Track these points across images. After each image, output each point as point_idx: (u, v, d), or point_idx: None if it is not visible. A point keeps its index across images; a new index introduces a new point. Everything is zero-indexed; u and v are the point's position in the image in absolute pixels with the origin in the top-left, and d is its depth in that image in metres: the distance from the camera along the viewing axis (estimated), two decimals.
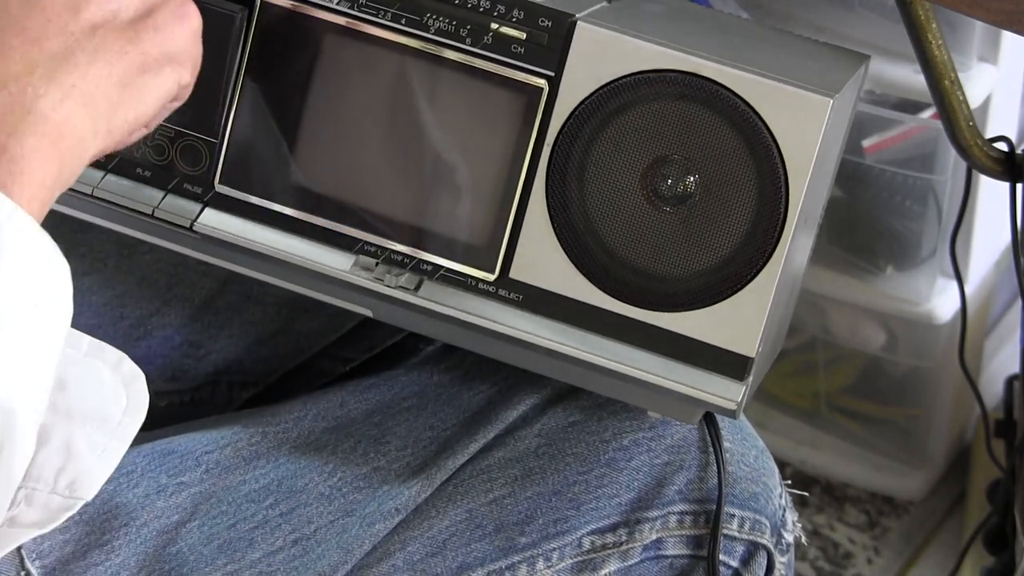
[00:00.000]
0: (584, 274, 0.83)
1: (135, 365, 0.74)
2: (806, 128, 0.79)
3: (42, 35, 0.69)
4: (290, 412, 0.93)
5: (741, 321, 0.81)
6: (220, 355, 1.04)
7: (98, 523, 0.86)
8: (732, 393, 0.82)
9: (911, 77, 1.45)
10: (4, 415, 0.62)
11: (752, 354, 0.82)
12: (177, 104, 0.79)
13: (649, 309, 0.82)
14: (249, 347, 1.03)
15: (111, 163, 0.87)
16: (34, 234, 0.65)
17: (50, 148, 0.67)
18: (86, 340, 0.74)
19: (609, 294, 0.83)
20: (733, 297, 0.81)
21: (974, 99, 1.44)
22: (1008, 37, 1.47)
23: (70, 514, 0.71)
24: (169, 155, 0.86)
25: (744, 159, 0.80)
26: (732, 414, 0.83)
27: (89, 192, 0.87)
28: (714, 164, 0.80)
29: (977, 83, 1.46)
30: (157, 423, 0.99)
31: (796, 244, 0.82)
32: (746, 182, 0.80)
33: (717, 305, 0.81)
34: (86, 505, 0.85)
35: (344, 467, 0.90)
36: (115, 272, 1.02)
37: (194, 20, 0.76)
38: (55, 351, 0.66)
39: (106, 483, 0.86)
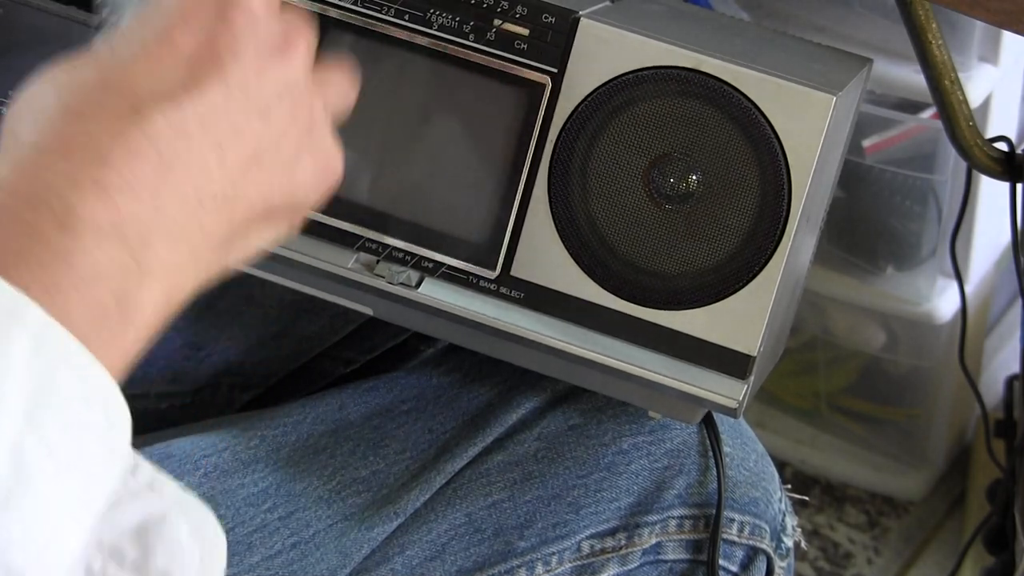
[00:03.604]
0: (586, 271, 0.83)
1: (218, 526, 0.64)
2: (809, 126, 0.79)
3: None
4: (288, 415, 0.93)
5: (743, 319, 0.81)
6: (220, 357, 1.03)
7: None
8: (733, 392, 0.82)
9: (911, 77, 1.45)
10: None
11: (753, 353, 0.81)
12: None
13: (651, 307, 0.82)
14: (250, 349, 1.03)
15: None
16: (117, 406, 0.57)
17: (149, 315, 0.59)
18: (171, 488, 0.61)
19: (611, 292, 0.82)
20: (735, 295, 0.81)
21: (974, 99, 1.44)
22: (1008, 37, 1.48)
23: None
24: None
25: (747, 157, 0.80)
26: (733, 413, 0.82)
27: None
28: (717, 161, 0.80)
29: (977, 83, 1.46)
30: (157, 425, 0.99)
31: (798, 243, 0.82)
32: (748, 180, 0.80)
33: (719, 303, 0.81)
34: None
35: (343, 470, 0.90)
36: None
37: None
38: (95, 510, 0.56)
39: None
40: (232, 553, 0.87)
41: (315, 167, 0.66)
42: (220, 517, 0.87)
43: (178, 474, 0.89)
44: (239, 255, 0.65)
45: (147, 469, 0.57)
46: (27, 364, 0.52)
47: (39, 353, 0.52)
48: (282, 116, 0.63)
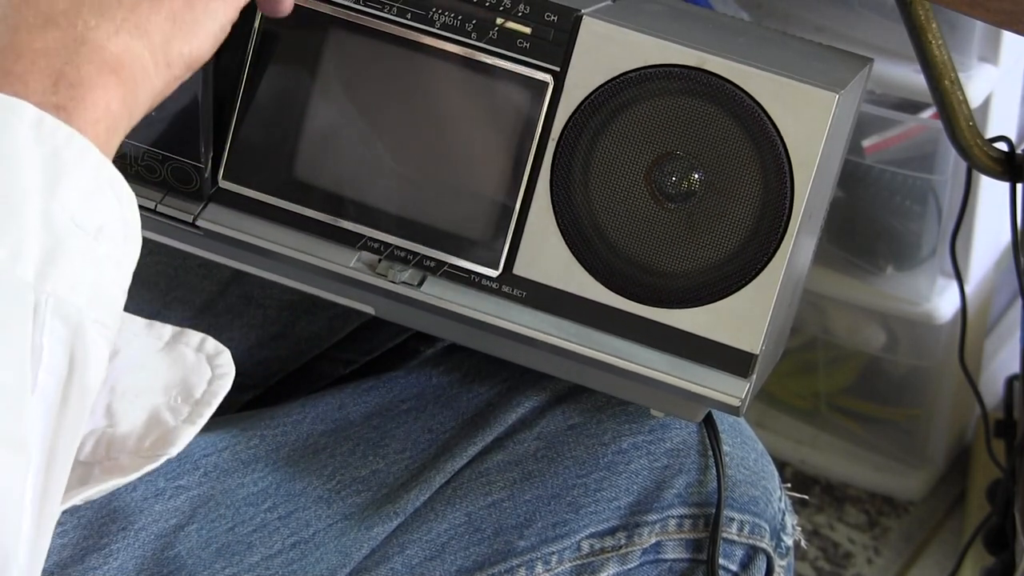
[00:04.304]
0: (588, 270, 0.83)
1: (218, 343, 0.76)
2: (812, 124, 0.79)
3: None
4: (288, 415, 0.93)
5: (745, 318, 0.81)
6: None
7: (96, 527, 0.86)
8: (736, 390, 0.82)
9: (911, 77, 1.45)
10: (74, 329, 0.63)
11: (756, 351, 0.82)
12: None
13: (653, 305, 0.82)
14: (249, 350, 1.03)
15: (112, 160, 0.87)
16: (95, 160, 0.65)
17: (110, 75, 0.67)
18: (168, 329, 0.76)
19: (613, 290, 0.83)
20: (737, 294, 0.81)
21: (974, 99, 1.44)
22: (1008, 37, 1.48)
23: (153, 466, 0.72)
24: (160, 174, 0.87)
25: (749, 155, 0.80)
26: (736, 411, 0.83)
27: None
28: (719, 160, 0.80)
29: (977, 83, 1.46)
30: None
31: (800, 242, 0.82)
32: (751, 178, 0.80)
33: (721, 302, 0.81)
34: (85, 508, 0.85)
35: (342, 470, 0.90)
36: None
37: None
38: (125, 276, 0.67)
39: None
40: (232, 552, 0.87)
41: None
42: (220, 516, 0.88)
43: (178, 473, 0.89)
44: (190, 43, 0.72)
45: None
46: (33, 147, 0.62)
47: (40, 141, 0.63)
48: None
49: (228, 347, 1.03)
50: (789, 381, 1.78)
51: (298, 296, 0.98)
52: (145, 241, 0.91)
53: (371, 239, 0.85)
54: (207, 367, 0.76)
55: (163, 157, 0.85)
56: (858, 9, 1.48)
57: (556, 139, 0.82)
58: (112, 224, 0.66)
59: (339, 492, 0.89)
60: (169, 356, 0.75)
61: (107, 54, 0.68)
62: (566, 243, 0.83)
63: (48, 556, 0.84)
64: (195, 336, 0.76)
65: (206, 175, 0.85)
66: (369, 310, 0.89)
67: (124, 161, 0.86)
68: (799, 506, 1.36)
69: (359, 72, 0.84)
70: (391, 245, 0.85)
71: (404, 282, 0.84)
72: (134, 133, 0.83)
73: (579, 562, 0.89)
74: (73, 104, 0.66)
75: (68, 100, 0.66)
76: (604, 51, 0.81)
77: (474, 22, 0.82)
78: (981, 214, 1.55)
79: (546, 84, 0.82)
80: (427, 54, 0.83)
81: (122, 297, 0.67)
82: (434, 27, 0.83)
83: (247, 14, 0.85)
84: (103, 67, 0.67)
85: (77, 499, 0.70)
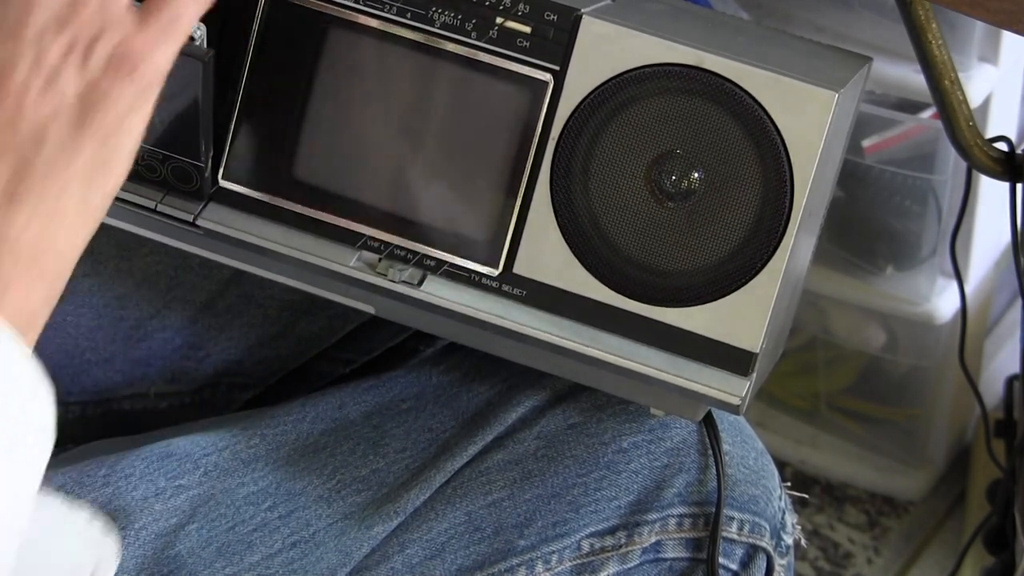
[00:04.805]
0: (588, 269, 0.83)
1: (105, 523, 0.73)
2: (812, 122, 0.79)
3: None
4: (288, 414, 0.93)
5: (745, 316, 0.81)
6: (220, 357, 1.03)
7: None
8: (736, 388, 0.82)
9: (911, 77, 1.45)
10: None
11: (756, 349, 0.82)
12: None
13: (653, 304, 0.82)
14: (249, 349, 1.03)
15: None
16: (17, 363, 0.62)
17: (27, 268, 0.65)
18: (58, 500, 0.73)
19: (613, 289, 0.83)
20: (737, 292, 0.81)
21: (974, 99, 1.44)
22: (1008, 37, 1.48)
23: None
24: (161, 173, 0.86)
25: (749, 153, 0.80)
26: (736, 410, 0.83)
27: None
28: (719, 159, 0.80)
29: (977, 83, 1.46)
30: (157, 425, 0.99)
31: (800, 240, 0.82)
32: (751, 177, 0.80)
33: (721, 300, 0.81)
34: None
35: (342, 469, 0.90)
36: (115, 274, 1.02)
37: (138, 63, 0.70)
38: (32, 490, 0.63)
39: (104, 486, 0.87)
40: (232, 552, 0.87)
41: (116, 68, 0.69)
42: (220, 516, 0.88)
43: (178, 473, 0.89)
44: (110, 182, 0.69)
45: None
46: None
47: None
48: None
49: (228, 346, 1.04)
50: (789, 381, 1.78)
51: (298, 296, 0.98)
52: (145, 241, 0.92)
53: (371, 238, 0.85)
54: (94, 553, 0.73)
55: (164, 156, 0.85)
56: (858, 9, 1.48)
57: (556, 138, 0.82)
58: (26, 435, 0.63)
59: (339, 491, 0.89)
60: (58, 532, 0.72)
61: (22, 246, 0.65)
62: (566, 242, 0.83)
63: None
64: (83, 512, 0.73)
65: (206, 174, 0.85)
66: (369, 309, 0.89)
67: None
68: (799, 506, 1.37)
69: (358, 71, 0.84)
70: (391, 244, 0.85)
71: (404, 281, 0.84)
72: None
73: (579, 561, 0.89)
74: None
75: None
76: (604, 50, 0.81)
77: (474, 21, 0.82)
78: (981, 214, 1.55)
79: (546, 83, 0.82)
80: (427, 53, 0.83)
81: (27, 514, 0.63)
82: (434, 26, 0.83)
83: (247, 14, 0.85)
84: (18, 261, 0.65)
85: None
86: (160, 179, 0.86)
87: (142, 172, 0.86)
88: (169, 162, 0.85)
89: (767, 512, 0.93)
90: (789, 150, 0.80)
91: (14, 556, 0.62)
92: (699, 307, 0.82)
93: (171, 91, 0.73)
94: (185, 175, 0.85)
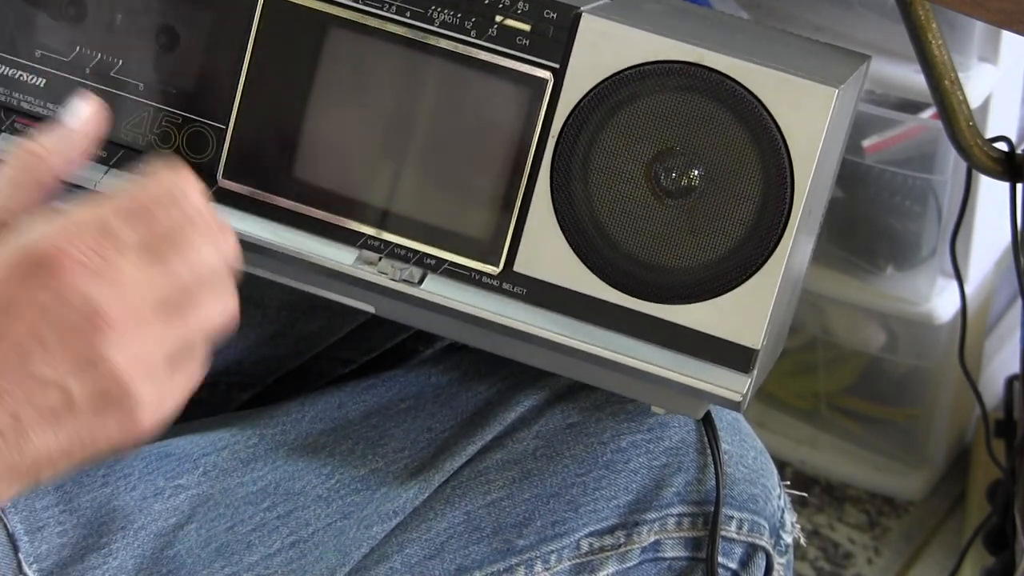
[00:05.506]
0: (588, 267, 0.83)
1: None
2: (811, 118, 0.79)
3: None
4: (287, 414, 0.93)
5: (746, 313, 0.81)
6: (219, 357, 1.03)
7: (96, 526, 0.86)
8: (737, 385, 0.82)
9: (911, 77, 1.45)
10: None
11: (757, 346, 0.82)
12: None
13: (654, 302, 0.82)
14: (249, 349, 1.03)
15: (113, 159, 0.87)
16: None
17: None
18: None
19: (613, 287, 0.83)
20: (738, 289, 0.81)
21: (974, 99, 1.44)
22: (1008, 37, 1.48)
23: None
24: (175, 142, 0.86)
25: (749, 150, 0.80)
26: (737, 407, 0.83)
27: (92, 188, 0.87)
28: (719, 156, 0.80)
29: (977, 83, 1.47)
30: None
31: (800, 238, 0.82)
32: (751, 173, 0.80)
33: (722, 297, 0.81)
34: (84, 507, 0.85)
35: (342, 469, 0.90)
36: None
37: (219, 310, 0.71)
38: None
39: (103, 486, 0.87)
40: (231, 552, 0.87)
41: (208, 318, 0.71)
42: (219, 516, 0.88)
43: (177, 473, 0.89)
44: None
45: None
46: None
47: None
48: None
49: (227, 346, 1.03)
50: (789, 381, 1.78)
51: (298, 296, 0.98)
52: None
53: (371, 237, 0.85)
54: None
55: (184, 120, 0.85)
56: (858, 9, 1.49)
57: (556, 136, 0.82)
58: None
59: (338, 491, 0.89)
60: None
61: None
62: (566, 240, 0.83)
63: (48, 555, 0.84)
64: None
65: (224, 137, 0.85)
66: (369, 308, 0.89)
67: (139, 129, 0.85)
68: (799, 506, 1.36)
69: (358, 70, 0.84)
70: (391, 243, 0.85)
71: (404, 280, 0.84)
72: (151, 95, 0.82)
73: (578, 561, 0.89)
74: None
75: None
76: (603, 48, 0.81)
77: (473, 20, 0.82)
78: (981, 214, 1.56)
79: (545, 81, 0.82)
80: (427, 52, 0.83)
81: None
82: (433, 25, 0.83)
83: (246, 14, 0.85)
84: None
85: None
86: (171, 149, 0.85)
87: (155, 142, 0.85)
88: (188, 127, 0.85)
89: (766, 511, 0.93)
90: (789, 146, 0.80)
91: None
92: (700, 304, 0.82)
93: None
94: (201, 142, 0.85)
